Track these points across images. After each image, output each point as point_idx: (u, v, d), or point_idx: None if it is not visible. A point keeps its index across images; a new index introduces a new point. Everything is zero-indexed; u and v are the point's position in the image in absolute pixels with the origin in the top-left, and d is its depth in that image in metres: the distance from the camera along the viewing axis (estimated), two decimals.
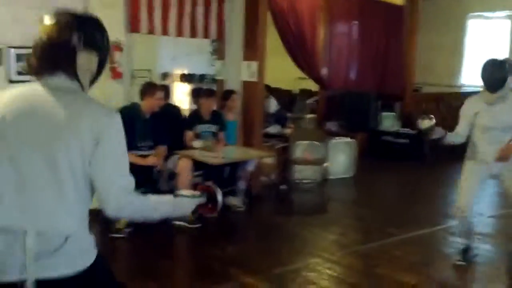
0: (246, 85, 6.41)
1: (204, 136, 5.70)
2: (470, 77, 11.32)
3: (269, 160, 6.57)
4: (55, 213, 1.69)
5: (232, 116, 6.14)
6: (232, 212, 5.58)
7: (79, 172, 1.70)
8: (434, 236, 5.08)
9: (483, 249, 4.67)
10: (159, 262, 4.34)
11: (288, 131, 7.78)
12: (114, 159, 1.75)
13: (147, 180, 5.12)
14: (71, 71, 1.77)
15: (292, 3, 8.80)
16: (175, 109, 6.17)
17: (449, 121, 10.15)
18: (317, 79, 9.73)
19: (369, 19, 10.03)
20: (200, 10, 6.12)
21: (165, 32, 5.86)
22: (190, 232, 5.01)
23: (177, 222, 5.07)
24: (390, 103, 9.36)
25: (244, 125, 6.28)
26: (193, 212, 2.04)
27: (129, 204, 1.78)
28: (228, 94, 6.16)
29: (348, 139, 7.48)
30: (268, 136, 7.53)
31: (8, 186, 1.70)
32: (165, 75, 11.13)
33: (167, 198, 1.96)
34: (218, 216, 5.29)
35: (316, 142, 6.86)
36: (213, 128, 5.81)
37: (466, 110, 4.23)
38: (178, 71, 12.72)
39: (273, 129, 8.08)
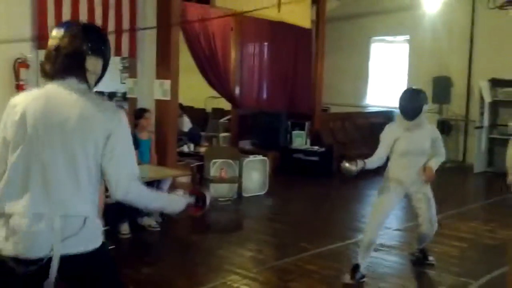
0: (159, 103, 6.36)
1: None
2: (374, 97, 11.96)
3: (183, 178, 6.53)
4: (74, 200, 1.97)
5: (146, 134, 6.04)
6: (147, 232, 5.49)
7: (92, 164, 1.98)
8: (345, 249, 5.26)
9: (391, 260, 4.91)
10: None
11: (202, 149, 7.78)
12: (124, 149, 2.04)
13: None
14: (81, 75, 2.05)
15: (204, 23, 8.88)
16: None
17: (355, 137, 10.64)
18: (230, 98, 9.86)
19: (279, 41, 10.34)
20: (111, 27, 6.02)
21: None
22: None
23: None
24: (301, 122, 9.65)
25: (158, 143, 6.20)
26: (183, 210, 2.30)
27: (136, 188, 2.07)
28: (141, 112, 6.06)
29: (261, 157, 7.60)
30: (182, 154, 7.50)
31: (34, 178, 1.96)
32: None
33: (164, 193, 2.35)
34: (132, 236, 5.23)
35: (230, 161, 6.93)
36: None
37: (386, 136, 4.39)
38: None
39: (187, 147, 8.06)
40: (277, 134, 9.36)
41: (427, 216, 4.45)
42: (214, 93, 10.07)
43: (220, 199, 6.85)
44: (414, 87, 4.65)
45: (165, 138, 6.26)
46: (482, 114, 9.78)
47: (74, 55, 2.03)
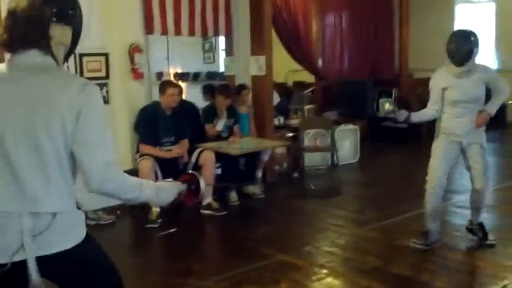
0: (255, 79, 6.70)
1: (222, 130, 6.03)
2: None
3: (280, 149, 6.88)
4: (43, 195, 1.71)
5: (244, 109, 6.44)
6: (253, 199, 5.90)
7: (62, 151, 1.72)
8: (445, 210, 5.40)
9: (491, 218, 5.02)
10: (197, 245, 4.69)
11: (292, 121, 8.10)
12: (95, 132, 1.74)
13: (173, 172, 5.40)
14: (44, 45, 1.74)
15: None
16: (191, 105, 6.44)
17: None
18: (313, 70, 10.05)
19: (359, 7, 10.35)
20: (209, 8, 6.34)
21: (178, 32, 6.10)
22: (218, 219, 5.31)
23: (204, 211, 5.37)
24: (388, 89, 9.71)
25: (256, 117, 6.57)
26: (175, 200, 2.03)
27: (112, 179, 1.78)
28: (240, 88, 6.46)
29: (352, 126, 7.82)
30: (274, 127, 7.82)
31: None
32: (160, 75, 11.34)
33: (151, 181, 2.00)
34: (241, 204, 5.65)
35: (322, 130, 7.20)
36: (229, 122, 6.11)
37: (435, 85, 4.18)
38: (172, 71, 12.92)
39: (277, 120, 8.38)
40: (363, 103, 9.50)
41: (481, 167, 4.17)
42: (295, 66, 10.29)
43: (315, 167, 7.16)
44: (463, 28, 4.28)
45: (262, 111, 6.61)
46: None
47: (34, 21, 1.71)
